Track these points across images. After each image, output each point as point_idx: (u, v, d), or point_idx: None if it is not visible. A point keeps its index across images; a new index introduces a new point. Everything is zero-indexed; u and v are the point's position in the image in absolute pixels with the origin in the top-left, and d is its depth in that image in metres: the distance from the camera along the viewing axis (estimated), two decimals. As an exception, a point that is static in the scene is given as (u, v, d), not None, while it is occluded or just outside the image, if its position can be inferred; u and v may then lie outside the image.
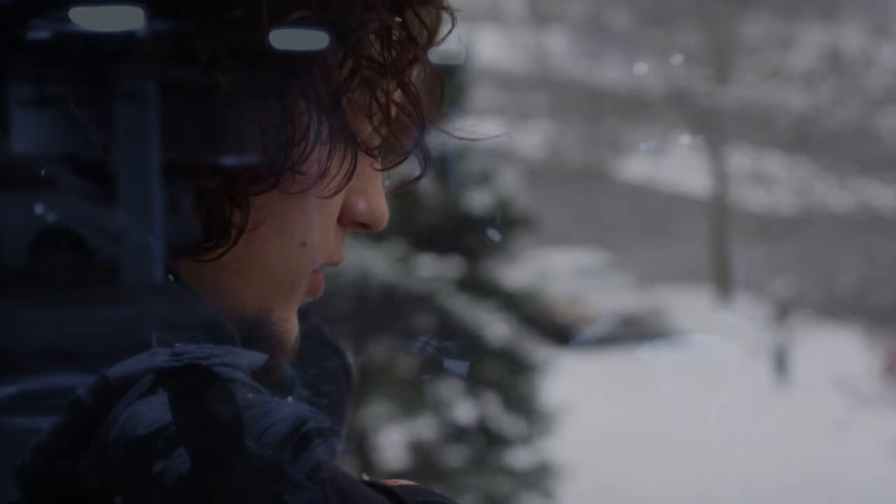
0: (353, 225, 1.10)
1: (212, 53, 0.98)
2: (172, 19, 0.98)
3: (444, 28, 1.07)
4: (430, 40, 1.06)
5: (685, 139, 23.84)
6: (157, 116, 0.97)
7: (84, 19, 0.98)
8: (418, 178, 1.11)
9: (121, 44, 0.97)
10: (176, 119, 0.98)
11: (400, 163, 1.10)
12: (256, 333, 1.07)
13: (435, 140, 1.10)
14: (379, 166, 1.08)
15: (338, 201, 1.07)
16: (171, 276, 0.94)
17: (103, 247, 0.93)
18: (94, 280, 0.92)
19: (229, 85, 0.98)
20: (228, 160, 1.00)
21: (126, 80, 0.97)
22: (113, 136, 0.97)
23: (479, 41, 14.23)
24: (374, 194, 1.10)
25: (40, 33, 0.98)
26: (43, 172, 0.95)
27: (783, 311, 19.83)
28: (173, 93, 0.97)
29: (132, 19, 0.97)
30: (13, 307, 0.89)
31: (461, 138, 1.14)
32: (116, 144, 0.97)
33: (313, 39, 1.01)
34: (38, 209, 0.92)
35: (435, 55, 1.07)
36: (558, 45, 25.44)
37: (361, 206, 1.09)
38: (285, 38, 1.00)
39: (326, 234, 1.08)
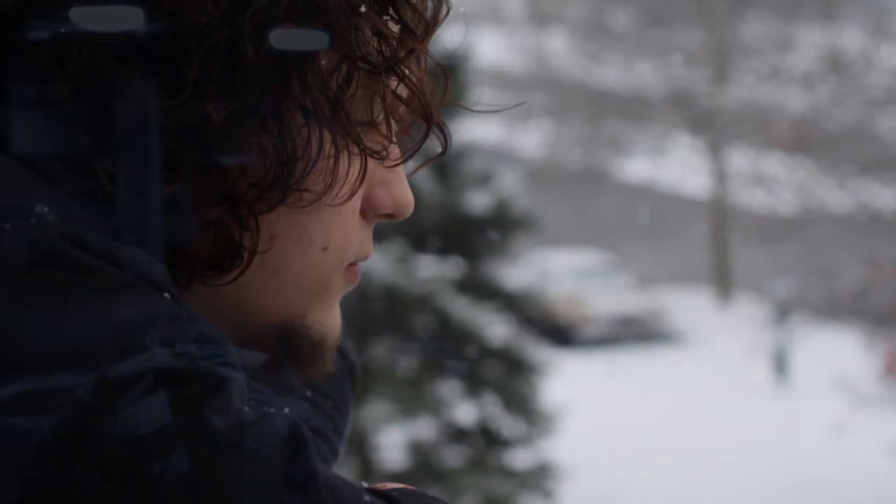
0: (379, 216, 1.08)
1: (197, 83, 0.95)
2: (155, 53, 0.95)
3: (441, 14, 1.05)
4: (428, 30, 1.04)
5: (685, 139, 23.86)
6: (156, 150, 0.96)
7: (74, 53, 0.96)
8: (441, 154, 1.08)
9: (112, 79, 0.95)
10: (171, 152, 0.96)
11: (413, 154, 1.08)
12: (291, 339, 1.05)
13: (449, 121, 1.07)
14: (392, 163, 1.07)
15: (356, 200, 1.04)
16: (167, 295, 0.93)
17: (105, 265, 0.92)
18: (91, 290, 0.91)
19: (220, 113, 0.95)
20: (230, 187, 0.98)
21: (118, 113, 0.95)
22: (117, 166, 0.96)
23: (479, 41, 14.22)
24: (396, 184, 1.07)
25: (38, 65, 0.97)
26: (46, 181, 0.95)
27: (783, 312, 19.83)
28: (165, 124, 0.95)
29: (118, 63, 0.95)
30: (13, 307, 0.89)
31: (478, 111, 1.13)
32: (120, 174, 0.96)
33: (304, 51, 0.98)
34: (40, 207, 0.92)
35: (437, 51, 1.06)
36: (558, 46, 25.44)
37: (384, 197, 1.07)
38: (275, 53, 0.97)
39: (349, 233, 1.05)
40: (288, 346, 1.05)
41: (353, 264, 1.08)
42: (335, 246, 1.04)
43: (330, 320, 1.08)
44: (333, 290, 1.07)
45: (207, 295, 1.00)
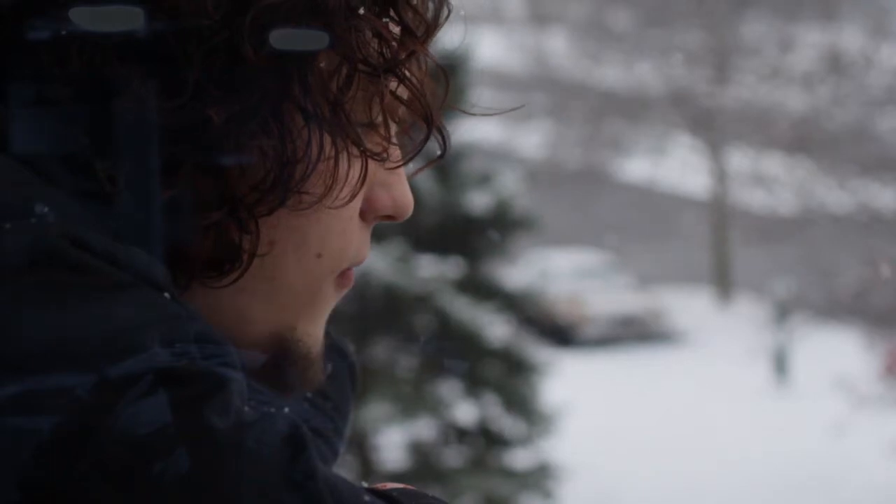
0: (378, 218, 1.08)
1: (198, 85, 0.95)
2: (156, 55, 0.95)
3: (442, 16, 1.05)
4: (429, 31, 1.03)
5: (685, 139, 23.86)
6: (156, 151, 0.95)
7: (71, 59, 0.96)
8: (440, 157, 1.08)
9: (112, 80, 0.95)
10: (171, 153, 0.96)
11: (414, 156, 1.08)
12: (281, 354, 1.05)
13: (449, 122, 1.07)
14: (392, 164, 1.06)
15: (356, 202, 1.04)
16: (167, 295, 0.93)
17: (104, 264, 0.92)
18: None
19: (221, 115, 0.95)
20: (230, 190, 0.98)
21: (118, 113, 0.95)
22: (117, 167, 0.96)
23: (479, 41, 14.22)
24: (396, 185, 1.07)
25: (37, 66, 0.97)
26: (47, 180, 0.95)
27: (783, 312, 19.83)
28: (165, 125, 0.95)
29: (118, 63, 0.95)
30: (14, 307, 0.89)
31: (478, 114, 1.12)
32: (120, 175, 0.96)
33: (304, 53, 0.98)
34: (40, 207, 0.92)
35: (437, 52, 1.05)
36: (558, 46, 25.44)
37: (384, 199, 1.06)
38: (275, 55, 0.96)
39: (346, 238, 1.05)
40: (278, 361, 1.05)
41: (346, 269, 1.07)
42: (329, 253, 1.04)
43: (316, 332, 1.07)
44: (323, 299, 1.07)
45: (207, 297, 1.00)
